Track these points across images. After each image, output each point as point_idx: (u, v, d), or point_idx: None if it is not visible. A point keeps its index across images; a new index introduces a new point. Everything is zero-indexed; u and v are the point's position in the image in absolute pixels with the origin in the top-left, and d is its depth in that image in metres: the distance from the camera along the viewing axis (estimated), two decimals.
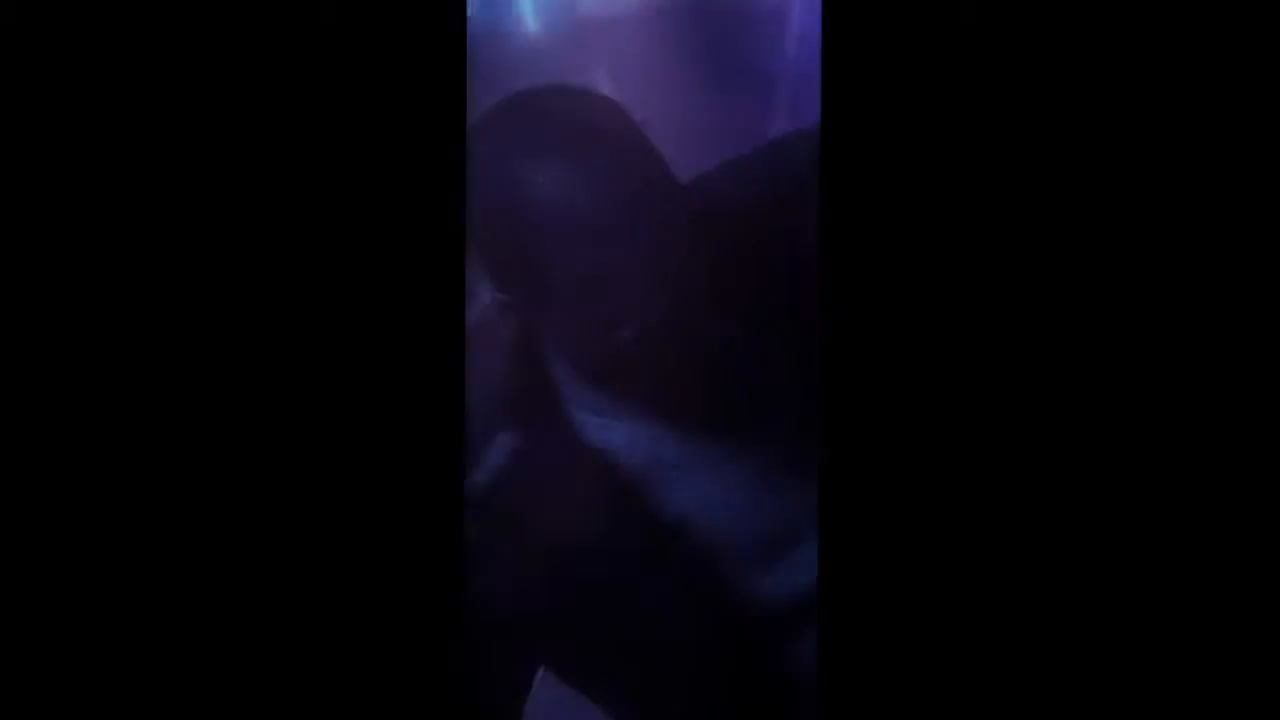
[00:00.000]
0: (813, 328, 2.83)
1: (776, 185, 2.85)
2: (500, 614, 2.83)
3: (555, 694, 2.74)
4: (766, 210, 2.85)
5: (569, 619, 2.79)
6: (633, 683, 2.78)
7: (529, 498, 2.84)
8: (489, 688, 2.82)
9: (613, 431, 2.77)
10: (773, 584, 2.82)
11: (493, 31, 2.90)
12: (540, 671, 2.77)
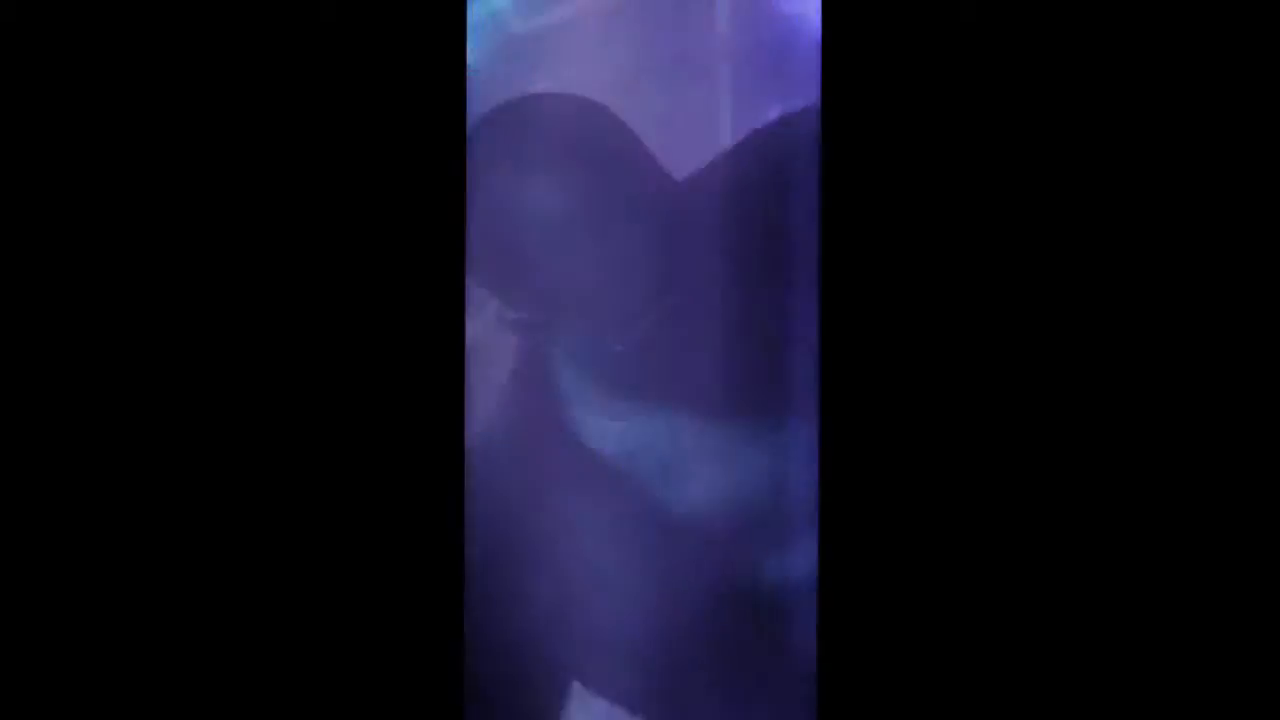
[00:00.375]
0: (816, 318, 2.84)
1: (773, 173, 2.86)
2: (509, 620, 2.87)
3: (590, 706, 2.76)
4: (765, 199, 2.85)
5: (578, 624, 2.83)
6: (646, 678, 2.82)
7: (537, 507, 2.86)
8: (504, 697, 2.85)
9: (628, 432, 2.78)
10: (780, 573, 2.86)
11: None
12: (574, 684, 2.79)
